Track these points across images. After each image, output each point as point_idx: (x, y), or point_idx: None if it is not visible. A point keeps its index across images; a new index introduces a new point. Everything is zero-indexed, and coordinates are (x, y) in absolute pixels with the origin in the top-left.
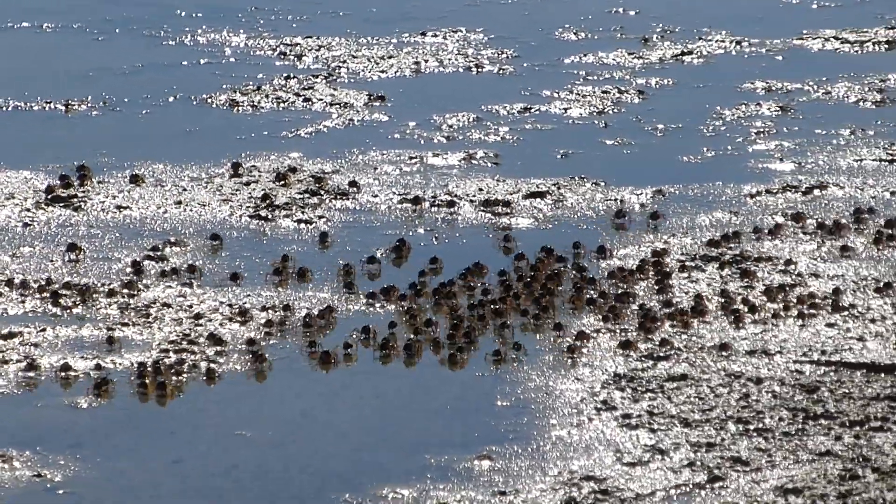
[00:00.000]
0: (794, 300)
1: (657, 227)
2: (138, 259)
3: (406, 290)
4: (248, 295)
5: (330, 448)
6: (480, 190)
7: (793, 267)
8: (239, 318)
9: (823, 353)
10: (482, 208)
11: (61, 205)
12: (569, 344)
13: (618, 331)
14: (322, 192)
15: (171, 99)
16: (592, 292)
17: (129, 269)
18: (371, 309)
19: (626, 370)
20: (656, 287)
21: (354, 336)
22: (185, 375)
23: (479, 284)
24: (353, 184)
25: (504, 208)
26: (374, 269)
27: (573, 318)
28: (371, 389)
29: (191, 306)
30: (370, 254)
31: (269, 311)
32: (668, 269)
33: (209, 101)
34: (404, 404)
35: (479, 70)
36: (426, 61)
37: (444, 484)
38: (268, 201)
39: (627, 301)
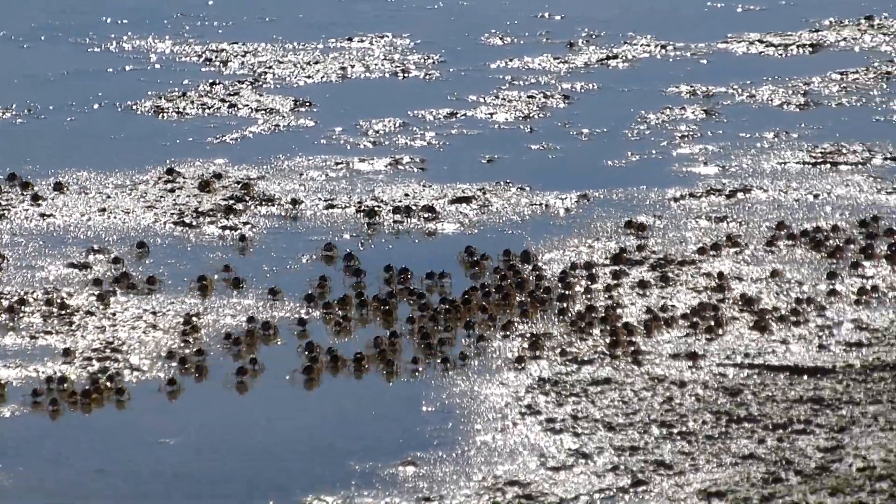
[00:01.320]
0: (718, 304)
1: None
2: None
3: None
4: (173, 302)
5: (255, 455)
6: (406, 195)
7: (716, 271)
8: (162, 326)
9: (747, 356)
10: (404, 214)
11: None
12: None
13: (542, 335)
14: (247, 198)
15: (96, 106)
16: (519, 297)
17: (54, 277)
18: (298, 316)
19: (550, 374)
20: (581, 291)
21: (280, 343)
22: (108, 384)
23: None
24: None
25: (430, 213)
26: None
27: (500, 322)
28: (296, 397)
29: (114, 314)
30: (296, 259)
31: (195, 318)
32: (592, 274)
33: (134, 107)
34: (330, 411)
35: (406, 75)
36: (352, 67)
37: (369, 490)
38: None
39: (551, 305)
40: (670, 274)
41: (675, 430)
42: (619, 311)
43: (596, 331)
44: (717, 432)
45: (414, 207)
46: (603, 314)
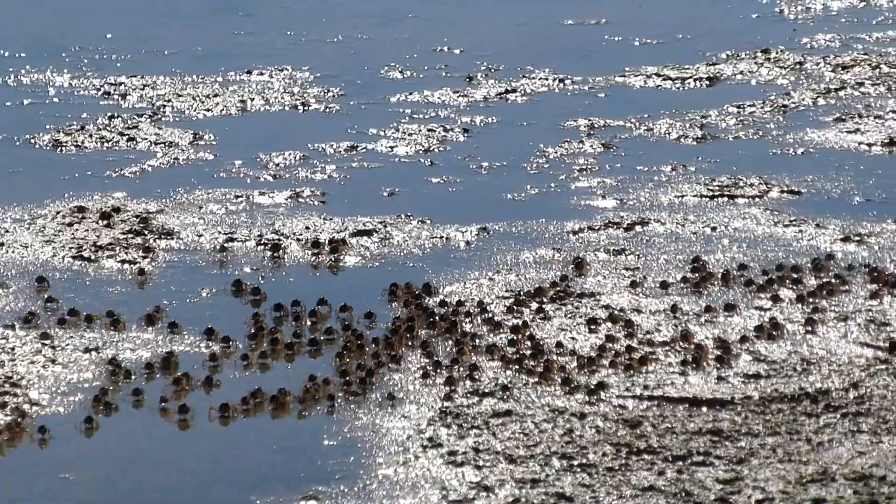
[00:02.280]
0: (617, 335)
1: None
2: None
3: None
4: (72, 337)
5: (154, 488)
6: (307, 228)
7: (615, 303)
8: (62, 361)
9: (646, 387)
10: (312, 249)
11: None
12: (397, 381)
13: (443, 367)
14: (146, 232)
15: None
16: (420, 331)
17: None
18: (198, 350)
19: (451, 407)
20: (481, 323)
21: (177, 379)
22: (6, 419)
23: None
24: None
25: (338, 245)
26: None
27: (403, 356)
28: (196, 429)
29: (13, 349)
30: (196, 293)
31: (92, 352)
32: (492, 306)
33: (32, 141)
34: (230, 444)
35: (306, 108)
36: (252, 100)
37: None
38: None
39: (452, 338)
40: (570, 306)
41: (576, 463)
42: (521, 342)
43: (497, 363)
44: (617, 464)
45: (321, 241)
46: (503, 345)
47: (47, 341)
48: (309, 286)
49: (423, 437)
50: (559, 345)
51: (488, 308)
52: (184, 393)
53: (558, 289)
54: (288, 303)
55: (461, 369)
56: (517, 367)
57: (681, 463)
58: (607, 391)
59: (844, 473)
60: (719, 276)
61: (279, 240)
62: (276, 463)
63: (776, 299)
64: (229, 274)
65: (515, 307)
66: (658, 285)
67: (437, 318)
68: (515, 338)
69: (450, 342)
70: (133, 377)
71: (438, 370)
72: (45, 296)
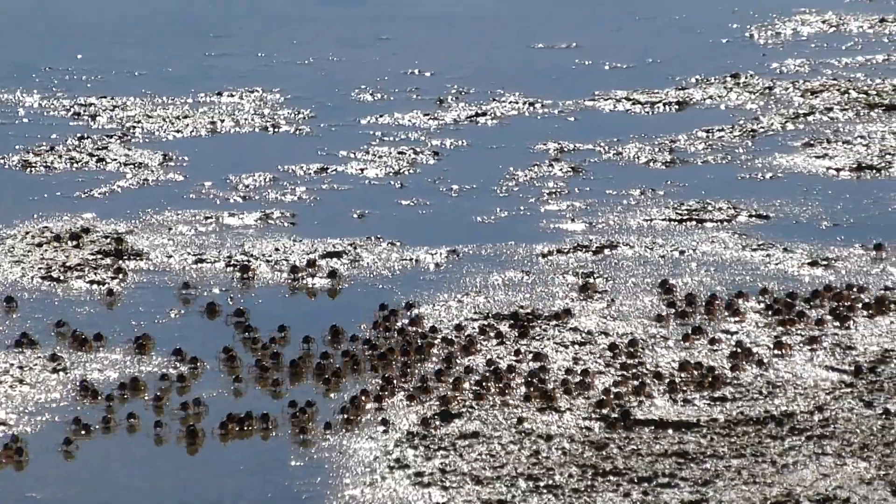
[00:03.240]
0: (585, 358)
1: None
2: None
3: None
4: (40, 357)
5: None
6: (277, 250)
7: (583, 325)
8: (29, 381)
9: (613, 409)
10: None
11: None
12: (360, 403)
13: (411, 390)
14: (115, 254)
15: None
16: (387, 354)
17: None
18: (166, 371)
19: (419, 429)
20: (451, 346)
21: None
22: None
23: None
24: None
25: (310, 268)
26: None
27: (368, 379)
28: (166, 450)
29: None
30: (164, 314)
31: (60, 373)
32: (463, 328)
33: (1, 161)
34: (199, 465)
35: (276, 130)
36: (222, 121)
37: None
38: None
39: (424, 361)
40: (538, 328)
41: (542, 484)
42: (491, 366)
43: (466, 385)
44: (583, 485)
45: (299, 265)
46: (471, 368)
47: (15, 361)
48: (280, 308)
49: (391, 459)
50: (528, 360)
51: (460, 331)
52: (156, 413)
53: (528, 312)
54: (261, 325)
55: (428, 392)
56: (485, 388)
57: (646, 484)
58: (573, 413)
59: (808, 495)
60: (686, 299)
61: (248, 261)
62: (244, 483)
63: (743, 323)
64: (199, 296)
65: (484, 330)
66: (625, 307)
67: (409, 341)
68: (485, 360)
69: (419, 365)
70: (100, 398)
71: (406, 393)
72: (13, 316)
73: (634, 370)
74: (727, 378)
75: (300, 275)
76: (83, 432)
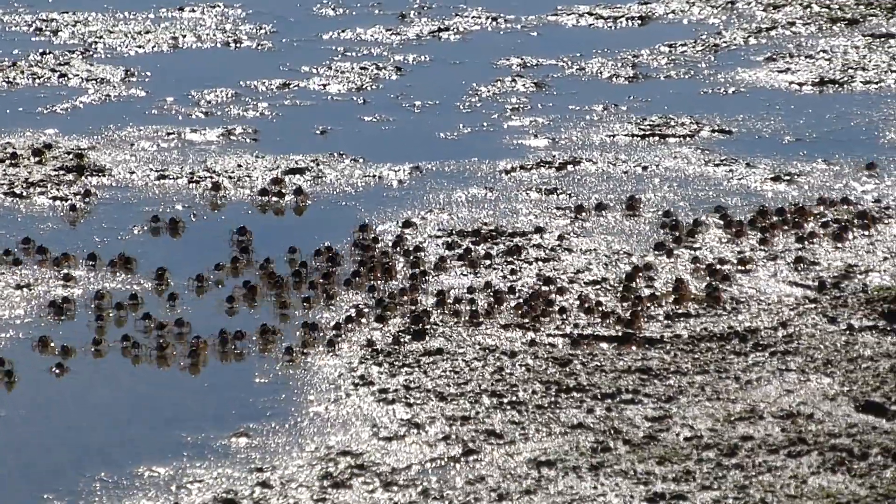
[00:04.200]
0: (550, 275)
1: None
2: None
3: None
4: (3, 273)
5: (85, 426)
6: (239, 166)
7: (548, 241)
8: None
9: (576, 326)
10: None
11: None
12: (333, 322)
13: (376, 306)
14: (77, 169)
15: None
16: (357, 269)
17: None
18: (129, 288)
19: (382, 345)
20: (412, 261)
21: (99, 314)
22: None
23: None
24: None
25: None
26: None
27: (339, 296)
28: (125, 366)
29: None
30: (127, 230)
31: (24, 289)
32: (423, 244)
33: None
34: (160, 382)
35: (238, 46)
36: (184, 37)
37: (201, 462)
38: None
39: (387, 278)
40: (503, 246)
41: (506, 400)
42: (453, 282)
43: (430, 300)
44: (546, 402)
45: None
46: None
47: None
48: (248, 225)
49: (355, 375)
50: (489, 285)
51: (418, 247)
52: (113, 329)
53: (491, 228)
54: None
55: (393, 308)
56: (449, 305)
57: (609, 401)
58: (538, 331)
59: (772, 411)
60: (650, 215)
61: (215, 177)
62: (206, 400)
63: (708, 239)
64: (161, 212)
65: (447, 247)
66: (588, 224)
67: (373, 257)
68: (446, 275)
69: (383, 282)
70: (62, 316)
71: (370, 309)
72: None
73: (598, 286)
74: (690, 294)
75: (268, 197)
76: (47, 350)
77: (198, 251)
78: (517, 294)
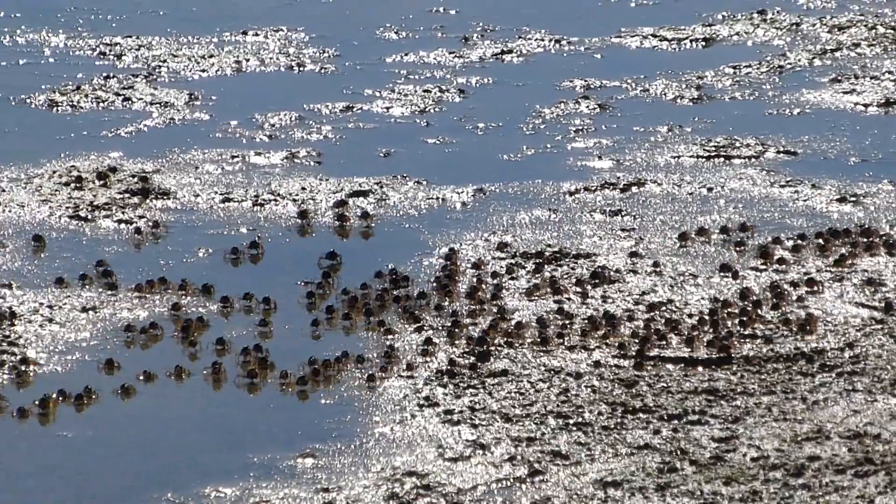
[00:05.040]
0: (614, 296)
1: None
2: None
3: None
4: (69, 297)
5: (152, 447)
6: (303, 189)
7: (611, 264)
8: (59, 320)
9: (644, 347)
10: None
11: None
12: (390, 342)
13: (441, 328)
14: (142, 193)
15: None
16: (414, 291)
17: None
18: (196, 310)
19: (448, 367)
20: (477, 284)
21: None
22: (4, 377)
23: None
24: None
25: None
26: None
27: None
28: (193, 388)
29: (10, 308)
30: (192, 253)
31: (90, 312)
32: (491, 267)
33: (28, 101)
34: (227, 403)
35: (301, 69)
36: (247, 60)
37: (267, 482)
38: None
39: (451, 299)
40: (565, 267)
41: (572, 421)
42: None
43: (500, 324)
44: (612, 423)
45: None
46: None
47: (44, 300)
48: (311, 247)
49: (420, 396)
50: (559, 298)
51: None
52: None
53: (555, 250)
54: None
55: (457, 329)
56: (513, 327)
57: (676, 422)
58: (603, 351)
59: (839, 432)
60: (714, 236)
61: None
62: (273, 421)
63: (773, 261)
64: (226, 235)
65: (511, 269)
66: (653, 246)
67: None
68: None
69: (447, 303)
70: (131, 335)
71: (436, 331)
72: (42, 255)
73: (663, 308)
74: (757, 315)
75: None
76: (116, 370)
77: (265, 273)
78: (582, 316)
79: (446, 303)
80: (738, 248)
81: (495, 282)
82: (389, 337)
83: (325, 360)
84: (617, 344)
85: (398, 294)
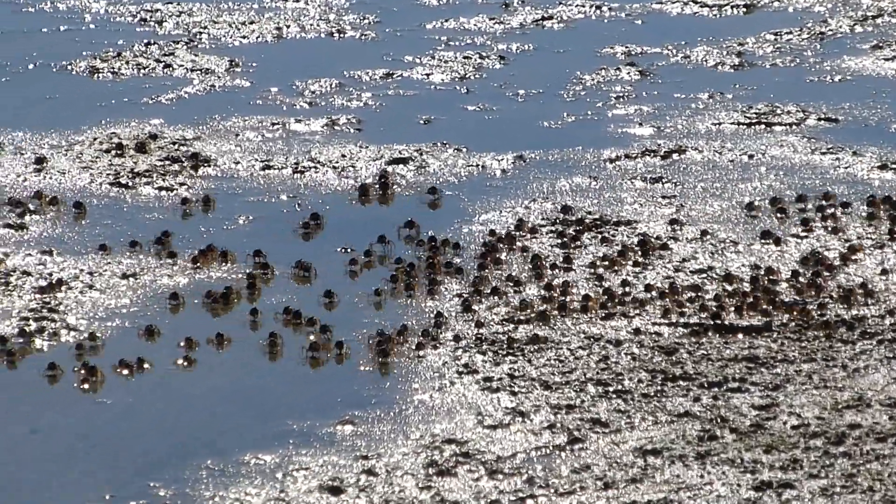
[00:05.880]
0: (656, 262)
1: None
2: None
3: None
4: (109, 263)
5: (192, 414)
6: (343, 156)
7: (652, 231)
8: (99, 287)
9: (682, 314)
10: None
11: None
12: (437, 311)
13: (481, 296)
14: (183, 159)
15: (30, 66)
16: (457, 259)
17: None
18: (235, 277)
19: (487, 334)
20: (519, 251)
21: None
22: (45, 343)
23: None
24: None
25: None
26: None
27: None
28: (233, 355)
29: (51, 274)
30: (232, 220)
31: (130, 279)
32: (530, 234)
33: (69, 67)
34: (266, 370)
35: (342, 36)
36: (288, 27)
37: (307, 449)
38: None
39: (491, 266)
40: (606, 235)
41: (611, 389)
42: (559, 272)
43: (534, 291)
44: (652, 391)
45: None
46: (540, 273)
47: (85, 267)
48: (355, 215)
49: (459, 364)
50: (597, 266)
51: (524, 236)
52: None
53: (596, 217)
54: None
55: (497, 297)
56: (553, 295)
57: (716, 389)
58: (643, 318)
59: (880, 399)
60: (758, 204)
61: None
62: (312, 388)
63: (813, 229)
64: (267, 202)
65: (551, 236)
66: (693, 212)
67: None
68: (553, 265)
69: (487, 271)
70: (173, 304)
71: (475, 298)
72: (82, 222)
73: (704, 274)
74: (797, 283)
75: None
76: (157, 337)
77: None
78: (623, 283)
79: (487, 271)
80: (779, 216)
81: (537, 250)
82: (432, 305)
83: (386, 333)
84: (663, 310)
85: (442, 261)
